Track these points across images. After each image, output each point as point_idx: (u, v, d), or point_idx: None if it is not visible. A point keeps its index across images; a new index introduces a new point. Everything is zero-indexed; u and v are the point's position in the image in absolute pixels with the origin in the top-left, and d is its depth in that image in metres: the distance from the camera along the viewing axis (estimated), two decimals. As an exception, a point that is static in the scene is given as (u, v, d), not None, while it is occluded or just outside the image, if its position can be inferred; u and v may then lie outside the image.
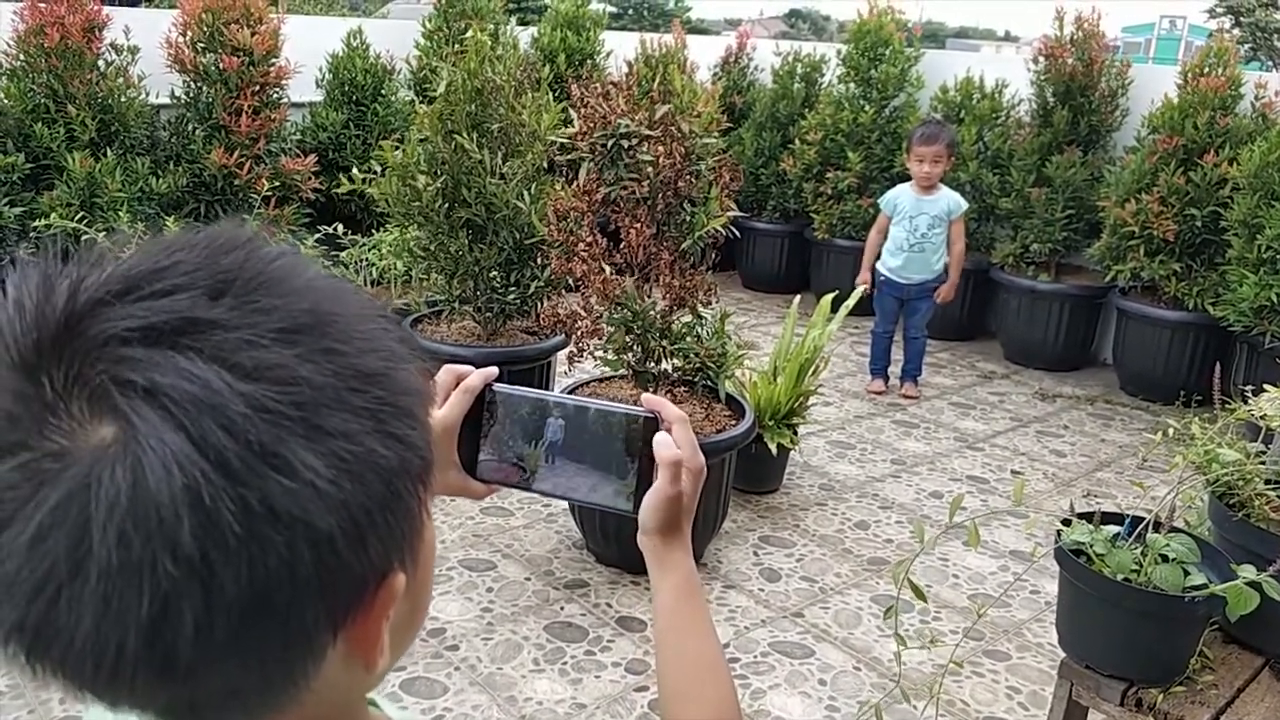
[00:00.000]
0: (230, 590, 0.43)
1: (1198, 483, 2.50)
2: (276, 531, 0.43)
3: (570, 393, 3.05)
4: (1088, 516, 2.34)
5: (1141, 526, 2.11)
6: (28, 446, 0.43)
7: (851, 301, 4.19)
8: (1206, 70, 4.98)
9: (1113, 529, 2.19)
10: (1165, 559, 2.08)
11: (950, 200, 4.84)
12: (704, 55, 7.28)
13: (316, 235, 4.64)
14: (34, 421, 0.43)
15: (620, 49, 7.01)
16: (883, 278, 4.92)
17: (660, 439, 0.83)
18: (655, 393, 3.26)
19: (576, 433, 0.86)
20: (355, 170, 3.92)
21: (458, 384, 0.86)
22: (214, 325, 0.45)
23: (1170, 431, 2.74)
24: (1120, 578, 2.03)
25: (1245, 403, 2.44)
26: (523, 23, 6.84)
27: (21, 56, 4.70)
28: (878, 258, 4.96)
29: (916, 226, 4.80)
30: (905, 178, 5.78)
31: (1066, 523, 2.27)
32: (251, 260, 0.48)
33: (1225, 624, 2.13)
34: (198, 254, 0.47)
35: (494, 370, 0.88)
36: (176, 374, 0.43)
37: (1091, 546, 2.12)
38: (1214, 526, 2.57)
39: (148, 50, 4.97)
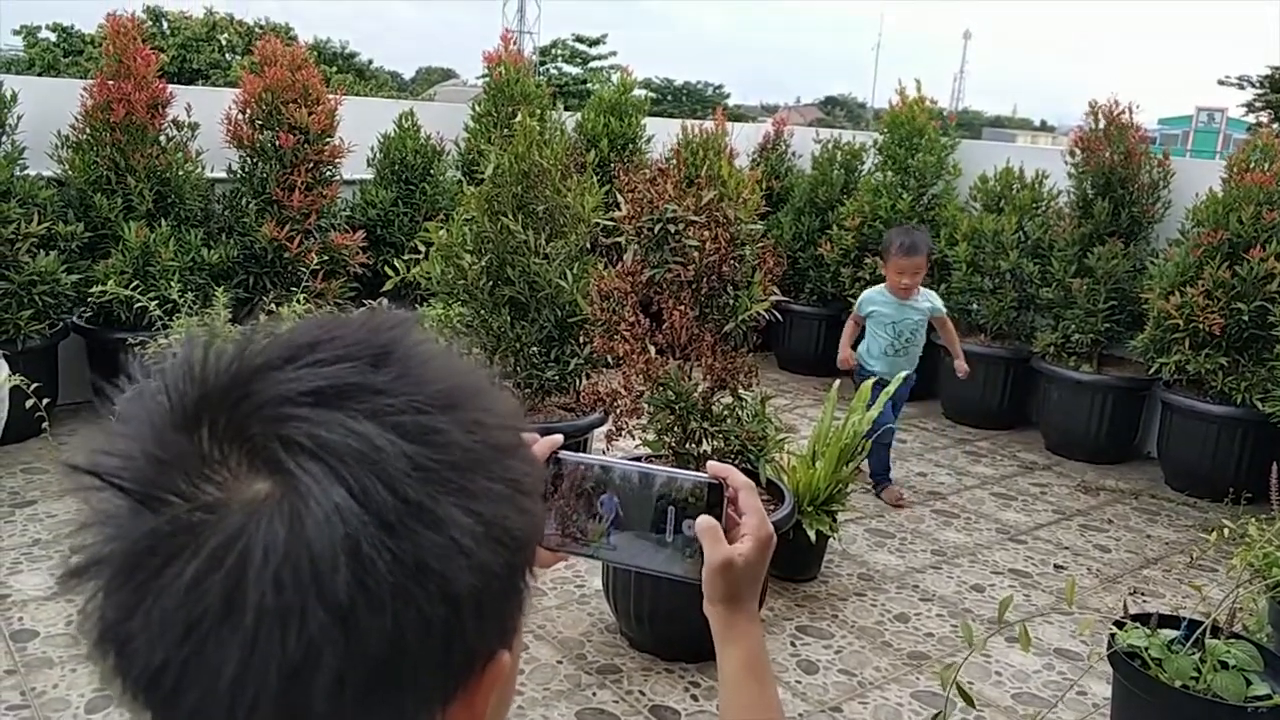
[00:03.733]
0: (371, 643, 0.44)
1: (1256, 586, 2.42)
2: (420, 585, 0.45)
3: None
4: (1142, 618, 2.27)
5: (1200, 631, 2.04)
6: (182, 496, 0.45)
7: (892, 388, 4.17)
8: (1252, 165, 4.97)
9: (1169, 633, 2.11)
10: (1225, 666, 2.01)
11: (932, 300, 4.65)
12: (743, 141, 7.40)
13: (362, 309, 4.71)
14: (187, 474, 0.45)
15: (661, 134, 7.15)
16: (865, 375, 4.57)
17: (700, 523, 0.82)
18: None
19: (646, 500, 0.85)
20: (398, 261, 3.99)
21: None
22: (377, 391, 0.47)
23: (1225, 531, 2.67)
24: (1179, 684, 1.96)
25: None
26: (566, 107, 7.00)
27: (88, 130, 4.88)
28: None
29: (901, 332, 4.56)
30: (943, 266, 5.79)
31: (1120, 624, 2.19)
32: (406, 338, 0.51)
33: (1289, 737, 2.04)
34: (355, 330, 0.50)
35: (559, 438, 0.87)
36: (343, 431, 0.45)
37: (1148, 650, 2.05)
38: (1275, 632, 2.49)
39: (207, 126, 5.15)
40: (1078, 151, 5.67)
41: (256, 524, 0.43)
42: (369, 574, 0.44)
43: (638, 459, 3.40)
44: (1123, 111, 5.59)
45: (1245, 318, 4.77)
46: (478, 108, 6.26)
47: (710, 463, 0.87)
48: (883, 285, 4.64)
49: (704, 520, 0.82)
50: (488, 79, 6.37)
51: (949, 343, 4.77)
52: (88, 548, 0.46)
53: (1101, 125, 5.60)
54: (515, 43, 6.56)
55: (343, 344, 0.49)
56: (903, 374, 4.40)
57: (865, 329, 4.68)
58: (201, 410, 0.46)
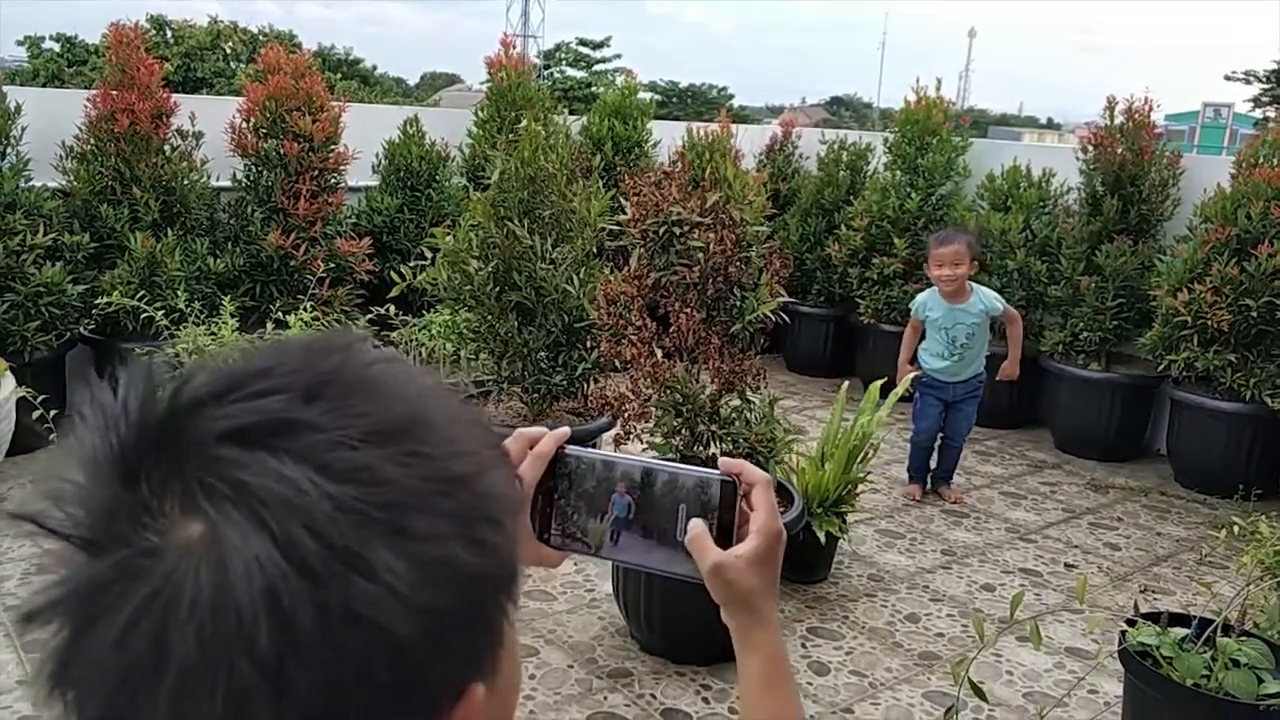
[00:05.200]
0: (303, 697, 0.41)
1: (1267, 583, 2.41)
2: (354, 635, 0.42)
3: None
4: (1153, 617, 2.26)
5: (1211, 629, 2.04)
6: (125, 543, 0.43)
7: (900, 389, 4.17)
8: (1260, 160, 4.95)
9: (1180, 631, 2.11)
10: (1236, 664, 2.00)
11: (985, 301, 4.55)
12: (749, 142, 7.39)
13: (369, 316, 4.72)
14: (130, 520, 0.43)
15: (666, 137, 7.15)
16: (924, 377, 4.60)
17: (690, 528, 0.79)
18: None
19: (653, 498, 0.81)
20: (405, 268, 4.00)
21: (530, 449, 0.82)
22: (307, 427, 0.45)
23: (1235, 528, 2.66)
24: (1190, 683, 1.96)
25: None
26: (571, 111, 7.01)
27: (92, 141, 4.90)
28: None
29: (954, 338, 4.50)
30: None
31: (1131, 623, 2.19)
32: (350, 364, 0.48)
33: (1303, 735, 2.03)
34: (298, 357, 0.48)
35: (566, 431, 0.84)
36: (266, 475, 0.43)
37: (1159, 649, 2.04)
38: (1286, 630, 2.48)
39: (212, 135, 5.16)
40: (1090, 148, 5.65)
41: (184, 572, 0.41)
42: (292, 627, 0.41)
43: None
44: (1141, 107, 5.55)
45: (1254, 314, 4.75)
46: (482, 113, 6.27)
47: (722, 458, 0.84)
48: (934, 288, 4.61)
49: (692, 526, 0.79)
50: (491, 84, 6.38)
51: (1011, 342, 4.70)
52: (41, 592, 0.44)
53: (1119, 121, 5.56)
54: (517, 46, 6.56)
55: (280, 373, 0.47)
56: (910, 377, 4.41)
57: (925, 331, 4.66)
58: (140, 450, 0.44)
